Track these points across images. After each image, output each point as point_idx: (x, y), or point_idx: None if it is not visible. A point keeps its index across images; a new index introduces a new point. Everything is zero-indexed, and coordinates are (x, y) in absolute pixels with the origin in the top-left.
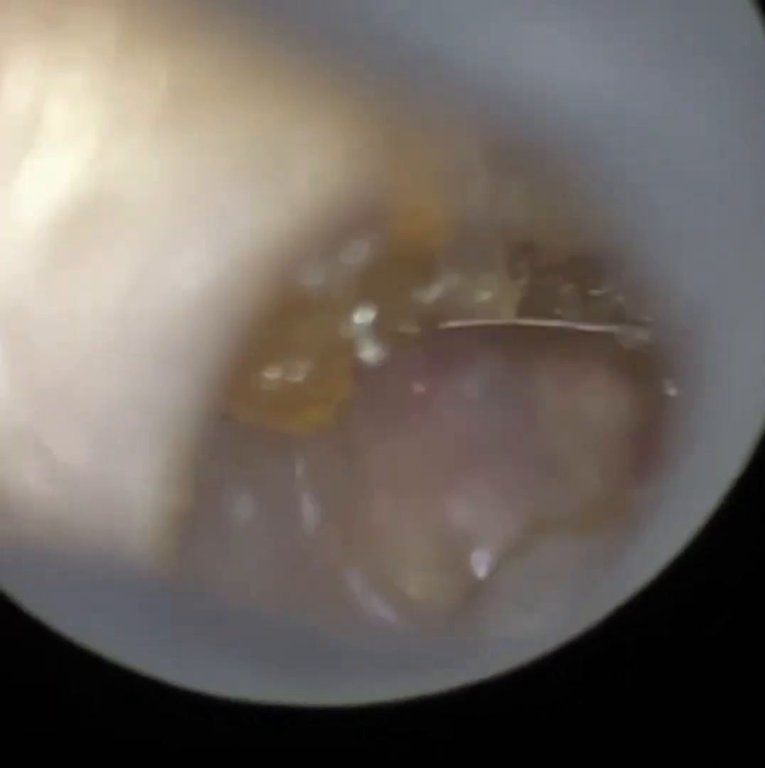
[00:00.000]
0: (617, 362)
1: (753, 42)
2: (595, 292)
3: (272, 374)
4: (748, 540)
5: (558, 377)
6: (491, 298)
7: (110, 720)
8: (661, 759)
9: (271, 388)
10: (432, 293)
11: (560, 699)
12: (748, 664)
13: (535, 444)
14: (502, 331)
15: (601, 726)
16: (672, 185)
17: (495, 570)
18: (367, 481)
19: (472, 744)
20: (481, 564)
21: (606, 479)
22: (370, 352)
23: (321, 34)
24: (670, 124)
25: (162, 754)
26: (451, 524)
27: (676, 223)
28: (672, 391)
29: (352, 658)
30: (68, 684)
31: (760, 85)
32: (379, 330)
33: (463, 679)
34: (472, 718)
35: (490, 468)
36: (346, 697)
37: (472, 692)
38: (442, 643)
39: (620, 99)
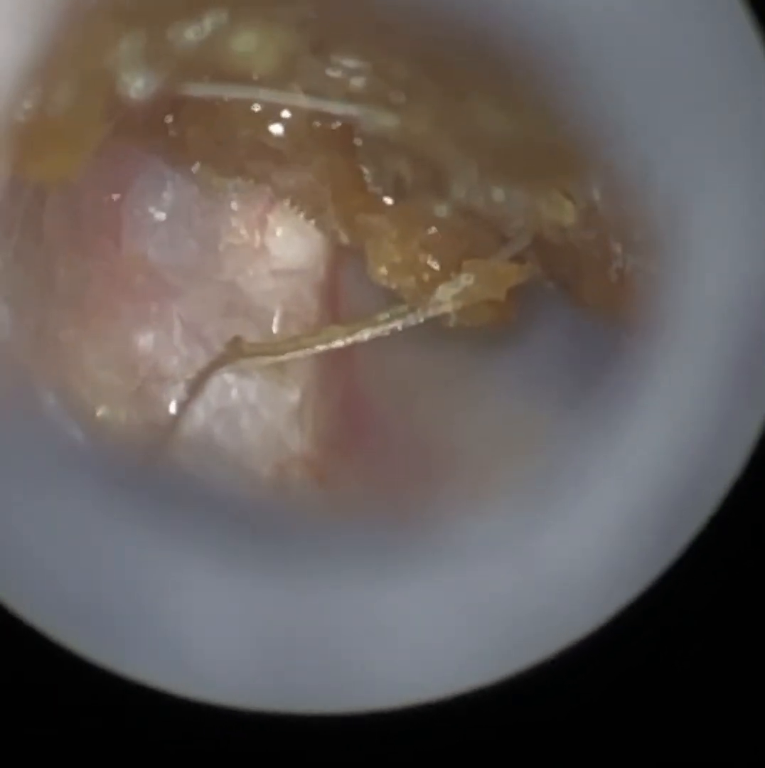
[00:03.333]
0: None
1: None
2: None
3: (29, 102)
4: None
5: (248, 217)
6: (252, 50)
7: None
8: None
9: (27, 119)
10: (197, 34)
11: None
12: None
13: (223, 277)
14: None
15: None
16: (644, 77)
17: (184, 404)
18: (58, 297)
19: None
20: (170, 398)
21: (297, 323)
22: (137, 83)
23: None
24: (643, 16)
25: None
26: (138, 356)
27: (650, 116)
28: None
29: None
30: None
31: None
32: (146, 61)
33: (440, 591)
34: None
35: (177, 301)
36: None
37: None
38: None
39: None
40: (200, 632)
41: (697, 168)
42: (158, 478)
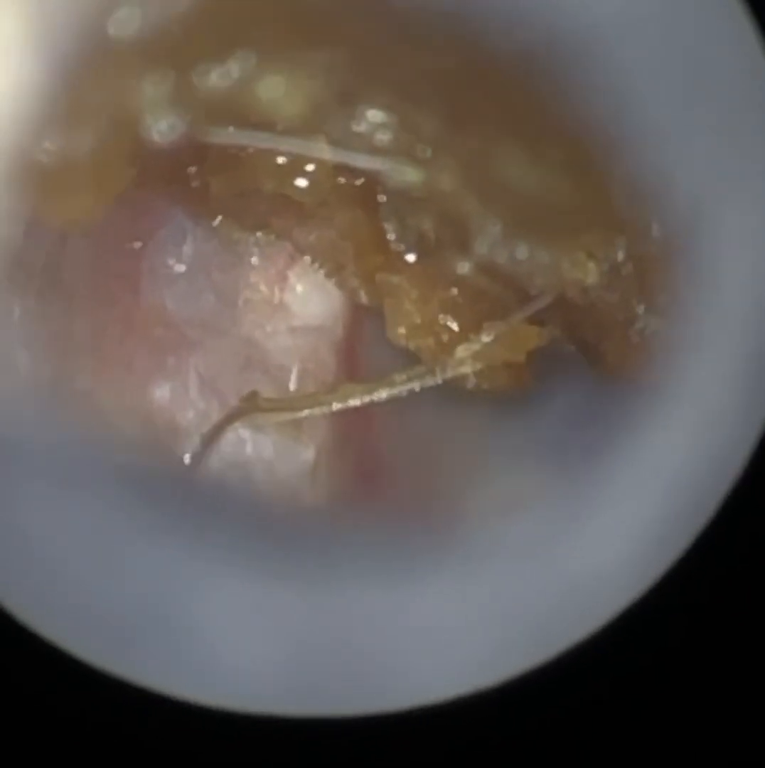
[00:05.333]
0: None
1: None
2: None
3: (51, 143)
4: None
5: (268, 272)
6: (278, 96)
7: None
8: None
9: (49, 161)
10: (223, 77)
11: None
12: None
13: (241, 332)
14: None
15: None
16: (662, 82)
17: (198, 455)
18: (76, 345)
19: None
20: (185, 450)
21: (314, 381)
22: (161, 126)
23: None
24: (660, 19)
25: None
26: (154, 407)
27: (669, 121)
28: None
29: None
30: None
31: None
32: (171, 104)
33: (467, 591)
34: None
35: (195, 354)
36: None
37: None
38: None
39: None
40: (219, 639)
41: (714, 186)
42: (179, 496)
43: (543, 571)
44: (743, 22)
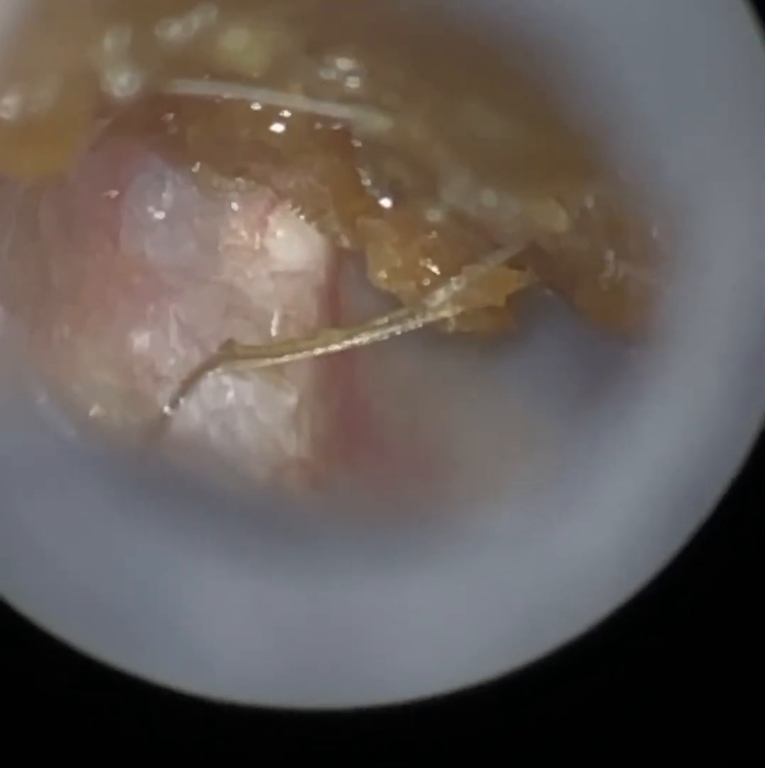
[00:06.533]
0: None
1: None
2: None
3: (11, 99)
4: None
5: (249, 218)
6: (242, 48)
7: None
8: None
9: (8, 116)
10: (184, 30)
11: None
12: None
13: (222, 278)
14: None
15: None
16: (651, 74)
17: (175, 404)
18: (53, 295)
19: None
20: (164, 398)
21: (296, 326)
22: (121, 81)
23: None
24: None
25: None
26: (133, 355)
27: (658, 112)
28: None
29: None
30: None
31: None
32: (131, 59)
33: (452, 583)
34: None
35: (175, 301)
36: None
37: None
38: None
39: None
40: (212, 631)
41: (703, 171)
42: (156, 474)
43: (537, 561)
44: (741, 9)
